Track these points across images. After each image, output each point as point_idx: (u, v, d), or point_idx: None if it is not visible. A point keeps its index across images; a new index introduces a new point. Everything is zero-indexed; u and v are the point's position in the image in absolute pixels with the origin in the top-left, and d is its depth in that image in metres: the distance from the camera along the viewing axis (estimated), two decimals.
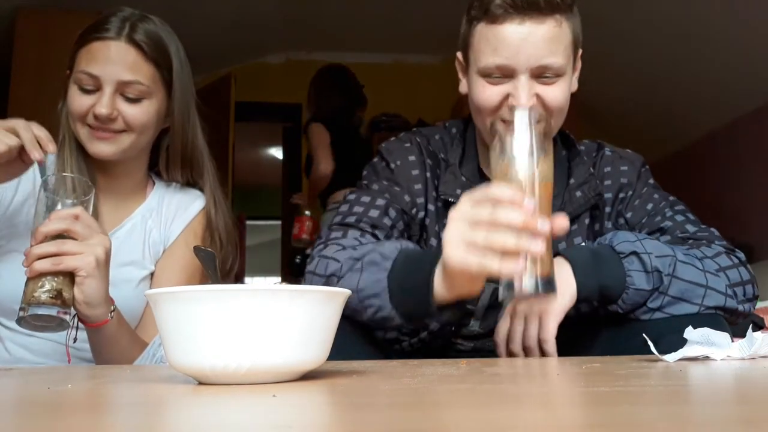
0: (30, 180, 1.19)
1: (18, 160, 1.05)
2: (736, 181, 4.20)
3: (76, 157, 1.19)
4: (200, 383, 0.61)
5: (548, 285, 0.79)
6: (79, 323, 1.03)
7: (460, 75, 1.17)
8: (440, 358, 1.04)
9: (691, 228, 1.10)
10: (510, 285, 0.80)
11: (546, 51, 1.02)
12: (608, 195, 1.16)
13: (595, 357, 0.92)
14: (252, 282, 5.92)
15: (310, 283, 1.02)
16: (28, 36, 3.16)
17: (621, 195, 1.16)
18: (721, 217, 3.39)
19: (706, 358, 0.75)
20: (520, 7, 1.01)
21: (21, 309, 0.97)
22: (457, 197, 1.09)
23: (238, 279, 4.25)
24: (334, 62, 3.73)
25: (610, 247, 1.00)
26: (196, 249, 1.21)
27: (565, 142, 1.21)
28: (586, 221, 1.15)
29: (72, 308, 1.00)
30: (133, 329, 1.15)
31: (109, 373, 0.81)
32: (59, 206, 1.02)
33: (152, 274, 1.25)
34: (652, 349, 0.76)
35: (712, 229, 1.11)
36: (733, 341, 0.77)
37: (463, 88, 1.15)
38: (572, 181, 1.15)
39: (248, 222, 5.45)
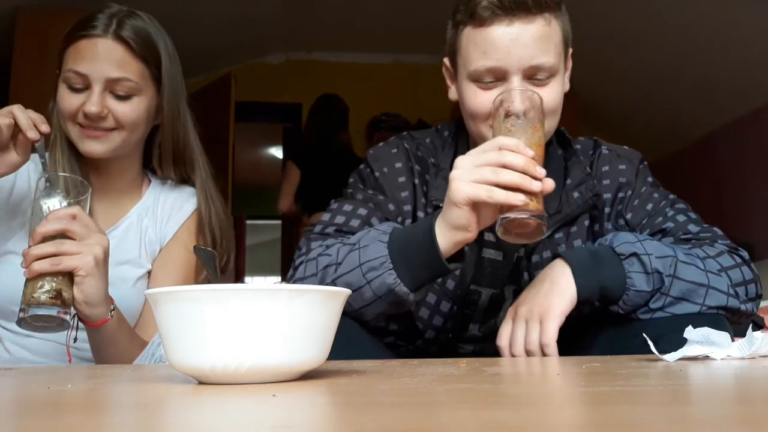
0: (25, 181, 1.19)
1: (12, 151, 1.05)
2: (737, 181, 4.20)
3: (68, 157, 1.18)
4: (200, 383, 0.61)
5: (539, 217, 0.88)
6: (79, 323, 1.03)
7: (449, 82, 1.14)
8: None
9: (693, 228, 1.08)
10: (505, 217, 0.89)
11: (537, 51, 1.00)
12: (607, 195, 1.15)
13: (595, 357, 0.92)
14: (252, 282, 5.92)
15: None
16: (28, 36, 3.16)
17: (620, 195, 1.14)
18: (722, 216, 3.39)
19: (706, 357, 0.75)
20: (507, 8, 0.99)
21: (21, 310, 0.96)
22: None
23: (238, 279, 4.26)
24: (330, 91, 4.17)
25: (611, 249, 1.00)
26: (196, 249, 1.21)
27: (561, 142, 1.19)
28: (586, 223, 1.14)
29: (72, 308, 0.99)
30: (132, 328, 1.15)
31: (109, 373, 0.81)
32: (56, 206, 1.02)
33: (149, 273, 1.25)
34: (652, 348, 0.76)
35: (715, 229, 1.10)
36: (733, 341, 0.77)
37: (452, 95, 1.13)
38: (569, 181, 1.14)
39: (248, 222, 5.45)
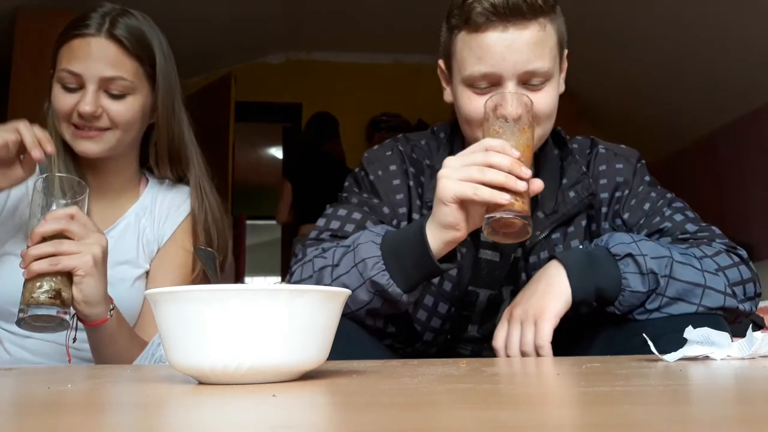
0: (23, 184, 1.19)
1: (17, 166, 1.05)
2: (736, 180, 4.20)
3: (64, 157, 1.17)
4: (200, 383, 0.61)
5: (524, 218, 0.89)
6: (79, 323, 1.03)
7: (444, 84, 1.14)
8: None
9: (691, 227, 1.08)
10: (491, 217, 0.90)
11: (531, 56, 1.00)
12: (604, 195, 1.14)
13: (595, 357, 0.92)
14: (252, 282, 5.92)
15: None
16: (28, 36, 3.16)
17: (617, 194, 1.14)
18: (722, 216, 3.40)
19: (706, 357, 0.75)
20: (502, 14, 0.98)
21: (20, 310, 0.96)
22: None
23: (238, 279, 4.26)
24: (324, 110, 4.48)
25: (606, 249, 1.00)
26: (196, 249, 1.21)
27: (557, 141, 1.19)
28: (583, 223, 1.13)
29: (71, 308, 0.99)
30: (132, 328, 1.15)
31: (109, 373, 0.81)
32: (54, 206, 1.02)
33: (147, 273, 1.25)
34: (652, 348, 0.76)
35: (713, 227, 1.09)
36: (733, 341, 0.77)
37: (447, 97, 1.13)
38: (565, 181, 1.14)
39: (248, 222, 5.45)
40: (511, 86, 1.00)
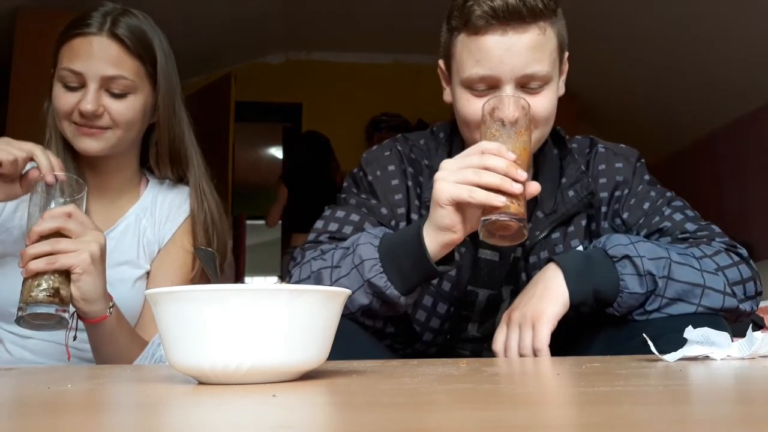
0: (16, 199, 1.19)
1: (17, 183, 1.05)
2: (736, 180, 4.20)
3: (63, 157, 1.17)
4: (200, 383, 0.61)
5: (520, 220, 0.89)
6: (80, 321, 1.03)
7: (444, 84, 1.14)
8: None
9: (690, 227, 1.08)
10: (486, 219, 0.90)
11: (530, 59, 0.99)
12: (604, 194, 1.14)
13: (595, 357, 0.92)
14: (252, 282, 5.92)
15: None
16: (28, 36, 3.16)
17: (617, 193, 1.14)
18: (722, 216, 3.40)
19: (706, 357, 0.75)
20: (501, 18, 0.98)
21: (19, 309, 0.96)
22: None
23: (238, 279, 4.26)
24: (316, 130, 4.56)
25: (603, 251, 1.00)
26: (196, 249, 1.21)
27: (556, 141, 1.19)
28: (583, 222, 1.13)
29: (71, 305, 1.00)
30: (132, 327, 1.15)
31: (109, 373, 0.81)
32: (52, 205, 1.02)
33: (148, 273, 1.25)
34: (652, 348, 0.76)
35: (713, 226, 1.09)
36: (733, 341, 0.77)
37: (447, 97, 1.13)
38: (564, 180, 1.14)
39: (248, 222, 5.45)
40: (509, 89, 1.00)
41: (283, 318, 0.57)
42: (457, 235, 0.92)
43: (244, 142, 5.51)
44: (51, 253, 0.96)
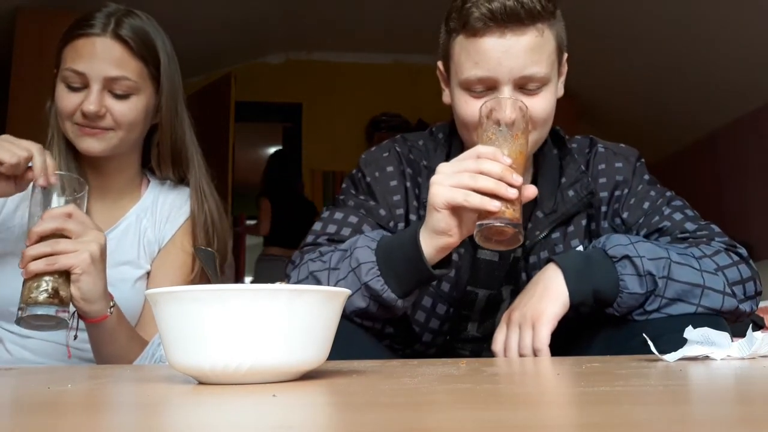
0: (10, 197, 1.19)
1: (12, 181, 1.05)
2: (737, 180, 4.20)
3: (65, 156, 1.18)
4: (200, 383, 0.61)
5: (515, 226, 0.89)
6: (79, 320, 1.03)
7: (443, 85, 1.14)
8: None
9: (690, 226, 1.08)
10: (482, 224, 0.90)
11: (528, 61, 0.99)
12: (604, 194, 1.14)
13: (595, 357, 0.92)
14: (252, 281, 5.91)
15: None
16: (28, 36, 3.16)
17: (617, 193, 1.14)
18: (722, 216, 3.39)
19: (706, 357, 0.75)
20: (499, 20, 0.98)
21: (19, 309, 0.96)
22: None
23: (238, 279, 4.26)
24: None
25: (603, 251, 1.00)
26: (196, 249, 1.21)
27: (555, 141, 1.18)
28: (583, 222, 1.13)
29: (71, 305, 0.99)
30: (132, 326, 1.15)
31: (109, 373, 0.81)
32: (53, 205, 1.02)
33: (148, 274, 1.25)
34: (652, 348, 0.76)
35: (713, 226, 1.09)
36: (733, 341, 0.77)
37: (446, 98, 1.12)
38: (564, 180, 1.14)
39: (248, 222, 5.45)
40: (507, 91, 1.00)
41: (283, 318, 0.57)
42: (453, 239, 0.92)
43: (244, 142, 5.51)
44: (51, 254, 0.96)
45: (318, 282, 0.98)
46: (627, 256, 0.97)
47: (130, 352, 1.10)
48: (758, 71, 3.67)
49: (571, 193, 1.12)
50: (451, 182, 0.90)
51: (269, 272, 4.12)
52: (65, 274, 0.98)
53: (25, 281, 0.97)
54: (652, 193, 1.13)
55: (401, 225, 1.12)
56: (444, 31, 1.08)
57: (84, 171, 1.21)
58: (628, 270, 0.97)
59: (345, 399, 0.51)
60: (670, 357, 0.75)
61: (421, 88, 4.50)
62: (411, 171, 1.15)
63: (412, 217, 1.13)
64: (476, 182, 0.88)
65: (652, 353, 0.76)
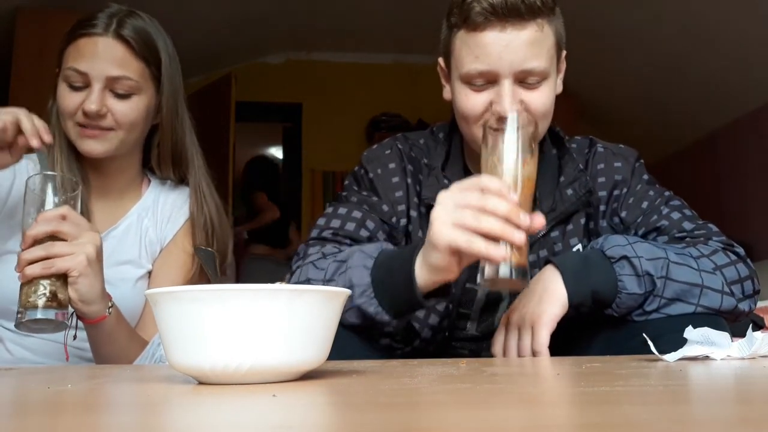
0: (24, 182, 1.19)
1: (6, 151, 1.04)
2: (736, 180, 4.20)
3: (67, 156, 1.18)
4: (200, 383, 0.61)
5: (522, 273, 0.84)
6: (78, 321, 1.03)
7: (443, 81, 1.15)
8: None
9: (688, 225, 1.08)
10: (486, 273, 0.85)
11: (528, 55, 1.01)
12: (602, 193, 1.15)
13: (595, 357, 0.92)
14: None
15: None
16: (28, 36, 3.16)
17: (615, 192, 1.15)
18: (722, 216, 3.40)
19: (706, 357, 0.75)
20: (500, 14, 0.99)
21: (18, 313, 0.96)
22: None
23: (239, 279, 4.26)
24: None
25: (601, 252, 1.00)
26: (196, 249, 1.21)
27: (554, 141, 1.19)
28: (581, 221, 1.14)
29: (69, 307, 0.99)
30: (132, 326, 1.15)
31: (109, 373, 0.81)
32: (48, 206, 1.00)
33: (149, 273, 1.25)
34: (652, 348, 0.76)
35: (710, 225, 1.09)
36: (733, 341, 0.77)
37: (446, 94, 1.14)
38: (562, 179, 1.14)
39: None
40: (507, 84, 1.01)
41: (283, 318, 0.57)
42: (452, 275, 0.90)
43: (245, 142, 5.51)
44: (46, 257, 0.96)
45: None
46: (625, 257, 0.97)
47: (129, 352, 1.10)
48: (758, 71, 3.67)
49: (569, 191, 1.13)
50: (454, 220, 0.84)
51: (257, 273, 4.13)
52: (63, 277, 0.97)
53: (22, 285, 0.97)
54: (651, 192, 1.14)
55: (403, 221, 1.13)
56: (445, 26, 1.09)
57: (85, 171, 1.21)
58: (626, 270, 0.97)
59: (345, 399, 0.51)
60: (670, 357, 0.75)
61: (421, 88, 4.50)
62: (412, 168, 1.16)
63: (413, 213, 1.13)
64: (480, 224, 0.82)
65: (652, 353, 0.76)
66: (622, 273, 0.97)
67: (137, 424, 0.40)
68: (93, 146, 1.15)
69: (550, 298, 0.98)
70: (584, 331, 1.06)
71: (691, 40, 3.72)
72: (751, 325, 0.79)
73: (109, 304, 1.04)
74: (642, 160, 1.20)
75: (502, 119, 1.01)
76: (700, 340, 0.76)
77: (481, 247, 0.82)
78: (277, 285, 0.59)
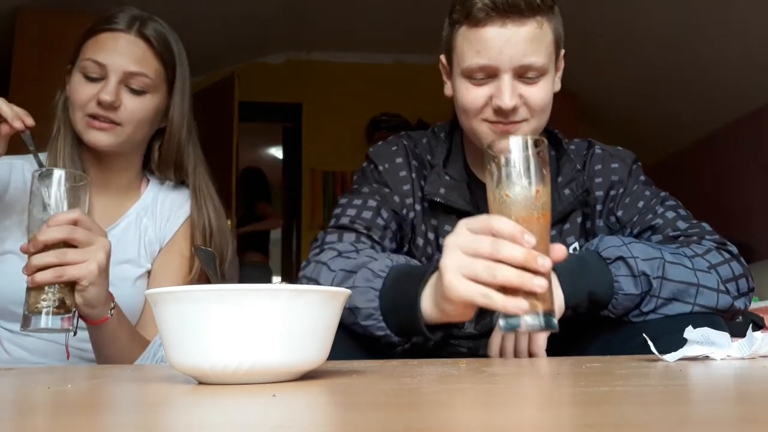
0: (20, 180, 1.19)
1: None
2: (736, 181, 4.20)
3: (70, 150, 1.19)
4: (200, 383, 0.61)
5: (548, 321, 0.75)
6: (79, 320, 1.03)
7: (445, 78, 1.18)
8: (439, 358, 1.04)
9: (681, 224, 1.10)
10: (509, 317, 0.76)
11: (528, 50, 1.04)
12: (599, 193, 1.17)
13: (595, 357, 0.92)
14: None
15: None
16: (28, 36, 3.16)
17: (612, 192, 1.17)
18: (722, 216, 3.39)
19: (706, 357, 0.75)
20: (501, 10, 1.02)
21: (24, 317, 0.95)
22: (441, 196, 1.13)
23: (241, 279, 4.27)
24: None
25: (597, 253, 1.00)
26: (196, 249, 1.21)
27: (552, 142, 1.21)
28: (578, 220, 1.16)
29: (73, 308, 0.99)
30: (133, 326, 1.15)
31: (109, 372, 0.81)
32: (52, 198, 0.97)
33: (148, 273, 1.25)
34: (652, 348, 0.76)
35: (704, 224, 1.11)
36: (732, 341, 0.77)
37: (447, 90, 1.17)
38: (560, 179, 1.16)
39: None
40: (507, 79, 1.04)
41: (283, 318, 0.57)
42: (466, 318, 0.87)
43: (245, 142, 5.50)
44: (58, 265, 0.95)
45: None
46: (621, 258, 0.97)
47: (131, 352, 1.10)
48: (758, 71, 3.67)
49: (567, 191, 1.15)
50: (466, 273, 0.77)
51: (252, 280, 4.16)
52: (71, 283, 0.97)
53: (29, 289, 0.96)
54: (647, 192, 1.16)
55: (411, 214, 1.16)
56: (447, 23, 1.12)
57: (87, 167, 1.22)
58: (622, 271, 0.97)
59: (345, 399, 0.51)
60: (670, 357, 0.75)
61: (421, 88, 4.50)
62: (417, 164, 1.20)
63: (417, 207, 1.17)
64: (495, 278, 0.75)
65: (652, 353, 0.76)
66: (618, 274, 0.97)
67: (137, 424, 0.40)
68: (99, 138, 1.16)
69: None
70: (583, 333, 1.06)
71: (691, 40, 3.72)
72: (751, 325, 0.79)
73: (112, 305, 1.04)
74: (639, 162, 1.22)
75: (501, 112, 1.03)
76: (700, 340, 0.76)
77: (498, 302, 0.75)
78: (277, 285, 0.59)
